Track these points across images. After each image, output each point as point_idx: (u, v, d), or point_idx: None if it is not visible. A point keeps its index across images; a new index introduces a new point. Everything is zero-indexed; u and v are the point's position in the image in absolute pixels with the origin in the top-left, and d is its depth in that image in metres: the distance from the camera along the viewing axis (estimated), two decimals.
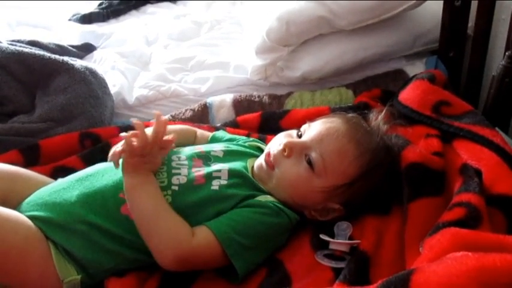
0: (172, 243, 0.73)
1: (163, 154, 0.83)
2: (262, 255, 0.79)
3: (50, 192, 0.83)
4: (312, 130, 0.85)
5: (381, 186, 0.85)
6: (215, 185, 0.81)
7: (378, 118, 0.91)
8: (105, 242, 0.78)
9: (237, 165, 0.86)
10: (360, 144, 0.82)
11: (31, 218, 0.79)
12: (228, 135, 1.03)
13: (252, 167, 0.88)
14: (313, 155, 0.81)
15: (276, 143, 0.86)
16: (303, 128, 0.88)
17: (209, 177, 0.82)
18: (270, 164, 0.84)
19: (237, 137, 1.03)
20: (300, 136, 0.86)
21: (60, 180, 0.88)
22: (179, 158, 0.86)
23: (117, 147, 0.81)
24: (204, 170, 0.83)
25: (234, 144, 0.96)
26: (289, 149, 0.82)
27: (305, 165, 0.82)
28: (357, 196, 0.83)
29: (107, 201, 0.80)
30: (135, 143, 0.77)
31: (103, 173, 0.84)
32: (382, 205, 0.85)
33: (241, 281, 0.76)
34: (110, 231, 0.78)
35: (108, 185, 0.81)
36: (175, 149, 0.88)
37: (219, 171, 0.83)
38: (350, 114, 0.90)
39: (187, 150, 0.89)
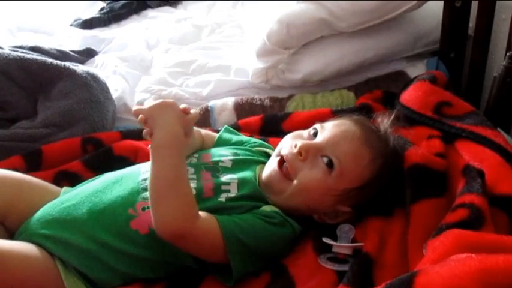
0: (178, 216, 0.72)
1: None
2: (259, 262, 0.78)
3: (59, 208, 0.82)
4: (326, 132, 0.84)
5: (387, 189, 0.85)
6: (222, 197, 0.81)
7: (385, 121, 0.92)
8: (115, 263, 0.77)
9: (246, 175, 0.85)
10: (373, 148, 0.83)
11: (41, 236, 0.79)
12: (235, 137, 1.01)
13: (260, 175, 0.87)
14: (332, 158, 0.81)
15: (287, 147, 0.84)
16: (316, 127, 0.87)
17: (218, 190, 0.82)
18: (287, 175, 0.82)
19: (244, 138, 1.01)
20: (313, 135, 0.86)
21: (68, 194, 0.87)
22: (187, 171, 0.84)
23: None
24: (213, 182, 0.83)
25: (242, 149, 0.94)
26: (305, 152, 0.81)
27: (323, 167, 0.81)
28: (367, 199, 0.83)
29: (116, 217, 0.79)
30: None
31: (111, 188, 0.83)
32: (385, 207, 0.85)
33: (234, 284, 0.76)
34: (120, 249, 0.77)
35: (117, 201, 0.81)
36: None
37: (228, 184, 0.83)
38: (360, 117, 0.91)
39: (195, 161, 0.88)
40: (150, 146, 0.76)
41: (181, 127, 0.77)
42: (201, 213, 0.75)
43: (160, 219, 0.72)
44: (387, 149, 0.85)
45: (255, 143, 0.99)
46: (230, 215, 0.78)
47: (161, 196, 0.73)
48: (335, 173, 0.80)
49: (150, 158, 0.75)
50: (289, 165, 0.82)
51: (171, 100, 0.79)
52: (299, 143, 0.82)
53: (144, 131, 0.77)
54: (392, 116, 0.92)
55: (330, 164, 0.81)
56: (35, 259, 0.76)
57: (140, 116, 0.76)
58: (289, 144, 0.85)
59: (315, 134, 0.86)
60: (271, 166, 0.85)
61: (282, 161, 0.84)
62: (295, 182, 0.81)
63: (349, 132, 0.83)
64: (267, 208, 0.82)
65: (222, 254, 0.75)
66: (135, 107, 0.79)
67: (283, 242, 0.80)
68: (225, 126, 1.07)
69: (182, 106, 0.79)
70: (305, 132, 0.88)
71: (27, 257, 0.76)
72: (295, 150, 0.82)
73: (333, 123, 0.87)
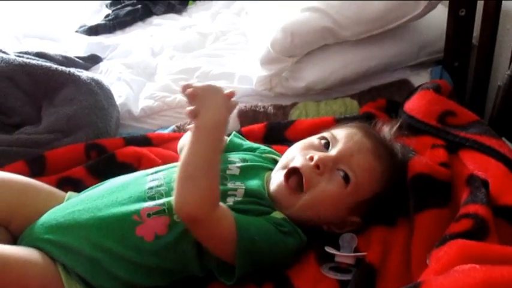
0: (198, 199, 0.71)
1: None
2: (262, 265, 0.77)
3: (64, 213, 0.82)
4: (340, 144, 0.84)
5: (392, 198, 0.85)
6: (229, 201, 0.81)
7: (386, 130, 0.92)
8: (118, 270, 0.77)
9: (254, 184, 0.85)
10: (384, 161, 0.84)
11: (45, 241, 0.79)
12: (246, 143, 1.01)
13: (267, 182, 0.87)
14: (349, 171, 0.81)
15: (301, 158, 0.83)
16: (326, 136, 0.87)
17: (224, 195, 0.81)
18: (295, 188, 0.81)
19: (255, 145, 1.00)
20: (324, 146, 0.85)
21: (73, 200, 0.87)
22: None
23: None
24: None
25: (251, 155, 0.94)
26: (323, 165, 0.80)
27: (339, 180, 0.81)
28: (375, 209, 0.84)
29: (121, 224, 0.79)
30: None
31: (117, 195, 0.83)
32: (388, 216, 0.85)
33: (235, 284, 0.75)
34: (124, 256, 0.77)
35: (122, 208, 0.80)
36: None
37: (235, 190, 0.83)
38: (366, 125, 0.91)
39: None
40: (193, 125, 0.74)
41: (228, 113, 0.77)
42: (221, 204, 0.75)
43: (182, 198, 0.72)
44: (394, 160, 0.87)
45: (264, 149, 0.99)
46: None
47: (190, 175, 0.72)
48: (350, 187, 0.81)
49: (191, 137, 0.74)
50: (306, 179, 0.81)
51: (218, 85, 0.78)
52: (315, 155, 0.81)
53: (189, 109, 0.74)
54: (397, 126, 0.93)
55: (346, 178, 0.81)
56: (36, 264, 0.76)
57: (190, 90, 0.74)
58: (301, 155, 0.84)
59: (327, 145, 0.86)
60: (277, 180, 0.84)
61: (288, 175, 0.83)
62: (306, 196, 0.81)
63: (362, 144, 0.84)
64: (277, 215, 0.81)
65: (230, 250, 0.74)
66: (184, 83, 0.78)
67: (289, 252, 0.80)
68: (233, 132, 1.07)
69: (227, 91, 0.78)
70: (315, 141, 0.87)
71: (28, 262, 0.75)
72: (311, 163, 0.81)
73: (344, 133, 0.87)
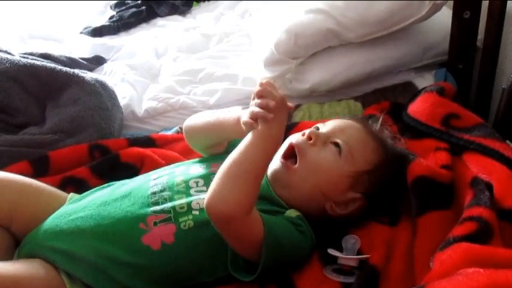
0: (238, 202, 0.70)
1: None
2: (283, 263, 0.77)
3: (67, 220, 0.82)
4: (329, 124, 0.88)
5: (392, 189, 0.86)
6: None
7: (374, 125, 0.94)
8: (124, 278, 0.77)
9: None
10: (375, 136, 0.88)
11: (48, 248, 0.79)
12: None
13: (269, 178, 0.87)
14: (339, 141, 0.84)
15: (294, 137, 0.86)
16: (318, 125, 0.89)
17: None
18: (297, 153, 0.83)
19: None
20: (316, 129, 0.87)
21: (75, 205, 0.86)
22: (197, 183, 0.84)
23: (248, 111, 0.77)
24: None
25: None
26: (315, 137, 0.84)
27: (332, 149, 0.83)
28: (376, 187, 0.84)
29: (127, 231, 0.78)
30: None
31: (120, 202, 0.83)
32: (391, 216, 0.85)
33: (253, 280, 0.74)
34: (130, 264, 0.77)
35: (127, 216, 0.80)
36: (191, 173, 0.87)
37: None
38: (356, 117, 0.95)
39: (203, 171, 0.87)
40: (255, 128, 0.74)
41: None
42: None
43: (220, 196, 0.70)
44: (385, 144, 0.88)
45: None
46: None
47: (238, 175, 0.71)
48: (344, 154, 0.83)
49: (251, 140, 0.73)
50: (297, 147, 0.83)
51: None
52: (307, 131, 0.85)
53: (254, 110, 0.74)
54: (381, 119, 0.96)
55: (338, 147, 0.83)
56: (42, 278, 0.76)
57: (264, 90, 0.75)
58: (295, 136, 0.86)
59: (318, 129, 0.88)
60: (275, 161, 0.85)
61: (286, 155, 0.84)
62: (301, 166, 0.82)
63: (351, 123, 0.89)
64: (291, 213, 0.82)
65: (255, 249, 0.73)
66: (265, 79, 0.78)
67: (305, 252, 0.80)
68: None
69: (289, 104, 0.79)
70: (306, 131, 0.88)
71: (35, 278, 0.75)
72: (304, 137, 0.84)
73: (334, 120, 0.91)
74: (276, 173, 0.85)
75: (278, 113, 0.74)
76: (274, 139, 0.75)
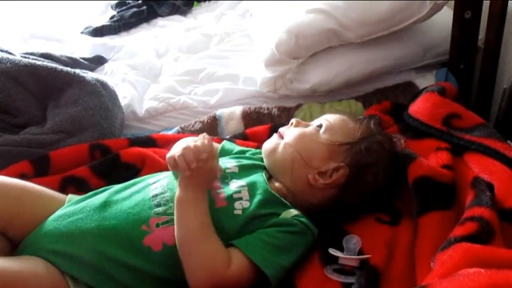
0: (209, 269, 0.73)
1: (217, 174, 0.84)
2: (289, 267, 0.79)
3: (66, 222, 0.81)
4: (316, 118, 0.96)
5: (387, 182, 0.88)
6: (238, 208, 0.81)
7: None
8: (127, 279, 0.77)
9: (254, 179, 0.87)
10: (357, 119, 0.94)
11: (49, 251, 0.78)
12: (237, 147, 1.03)
13: (269, 178, 0.89)
14: (322, 122, 0.91)
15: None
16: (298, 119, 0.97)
17: (230, 199, 0.82)
18: (280, 133, 0.92)
19: (245, 148, 1.03)
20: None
21: (74, 207, 0.85)
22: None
23: (176, 153, 0.80)
24: (224, 192, 0.83)
25: (244, 158, 0.96)
26: (297, 122, 0.93)
27: (313, 127, 0.91)
28: (360, 159, 0.85)
29: (130, 233, 0.79)
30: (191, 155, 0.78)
31: (121, 203, 0.83)
32: (391, 215, 0.84)
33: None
34: (131, 266, 0.77)
35: (129, 217, 0.80)
36: None
37: (239, 192, 0.84)
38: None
39: None
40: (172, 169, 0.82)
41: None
42: (229, 250, 0.76)
43: (194, 275, 0.74)
44: (370, 130, 0.91)
45: (255, 151, 1.01)
46: (253, 232, 0.79)
47: (190, 248, 0.74)
48: (324, 129, 0.90)
49: (175, 211, 0.78)
50: (282, 130, 0.93)
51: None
52: (293, 120, 0.94)
53: (180, 158, 0.79)
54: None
55: (320, 126, 0.90)
56: (46, 276, 0.75)
57: (201, 147, 0.80)
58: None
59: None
60: (270, 141, 0.94)
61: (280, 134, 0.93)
62: (285, 138, 0.91)
63: (339, 115, 0.94)
64: (286, 215, 0.82)
65: (256, 279, 0.75)
66: (208, 137, 0.85)
67: (305, 250, 0.81)
68: (224, 140, 1.08)
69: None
70: (293, 120, 0.96)
71: (40, 276, 0.75)
72: (289, 124, 0.94)
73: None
74: (268, 147, 0.92)
75: (197, 175, 0.79)
76: (191, 201, 0.78)
